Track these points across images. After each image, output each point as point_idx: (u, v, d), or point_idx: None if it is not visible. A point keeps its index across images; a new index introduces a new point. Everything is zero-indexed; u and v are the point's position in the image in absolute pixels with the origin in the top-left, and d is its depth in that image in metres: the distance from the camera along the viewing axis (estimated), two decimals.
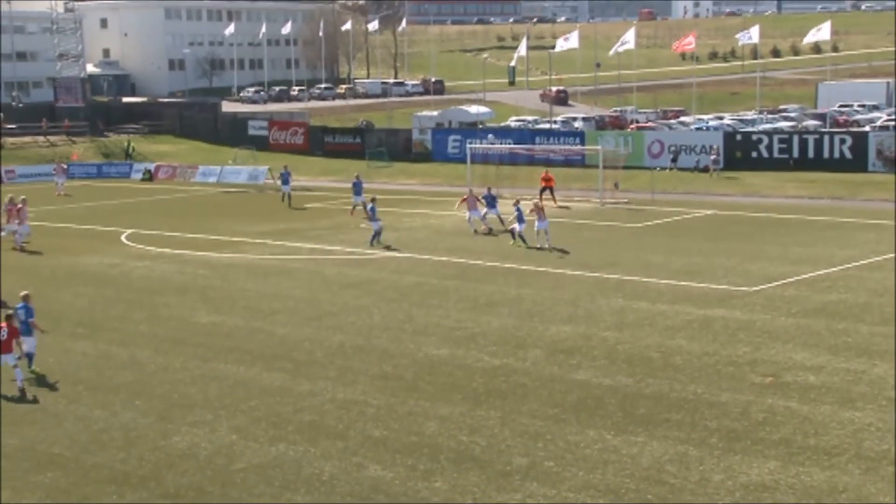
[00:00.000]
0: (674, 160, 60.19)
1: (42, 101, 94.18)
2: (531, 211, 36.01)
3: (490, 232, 39.17)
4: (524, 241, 36.39)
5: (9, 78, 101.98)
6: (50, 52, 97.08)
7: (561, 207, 46.62)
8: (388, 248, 36.57)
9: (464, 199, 40.11)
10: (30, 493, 15.62)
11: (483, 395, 19.84)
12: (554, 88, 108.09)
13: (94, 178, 69.76)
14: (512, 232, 37.11)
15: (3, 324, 20.74)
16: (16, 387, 20.43)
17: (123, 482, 15.95)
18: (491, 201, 39.97)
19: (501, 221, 39.90)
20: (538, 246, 35.58)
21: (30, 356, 21.95)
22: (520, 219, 36.83)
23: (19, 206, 38.82)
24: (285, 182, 50.99)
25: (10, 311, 21.24)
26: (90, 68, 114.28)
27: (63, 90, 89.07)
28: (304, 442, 17.46)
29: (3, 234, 37.99)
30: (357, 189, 45.30)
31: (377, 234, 37.24)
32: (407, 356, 22.63)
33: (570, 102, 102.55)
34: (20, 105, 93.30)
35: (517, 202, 37.97)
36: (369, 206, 38.03)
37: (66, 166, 63.57)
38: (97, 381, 21.33)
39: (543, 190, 48.78)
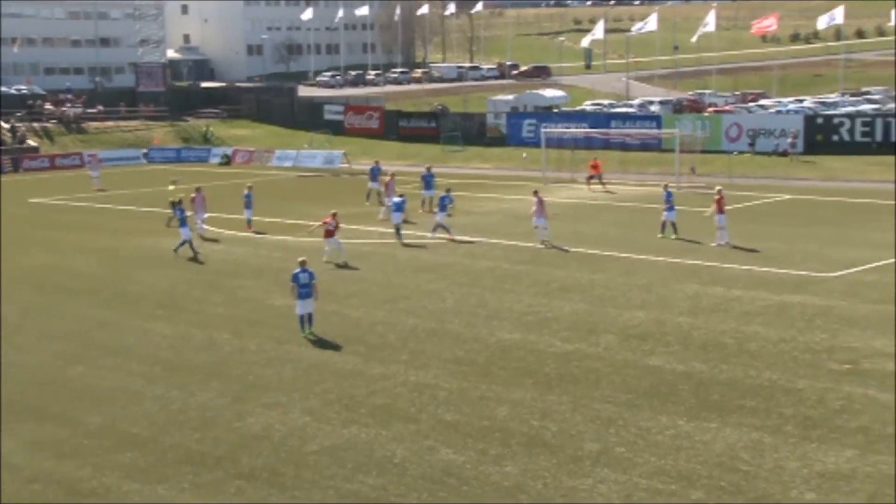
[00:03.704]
0: (752, 144, 59.24)
1: (124, 87, 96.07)
2: (717, 202, 32.34)
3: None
4: (675, 230, 34.15)
5: (92, 63, 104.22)
6: (132, 38, 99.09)
7: (607, 192, 47.33)
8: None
9: (535, 210, 34.01)
10: (110, 472, 15.99)
11: (555, 380, 19.80)
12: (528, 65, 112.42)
13: (174, 163, 70.99)
14: (663, 224, 34.48)
15: None
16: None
17: (199, 462, 16.26)
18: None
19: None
20: (716, 243, 32.51)
21: (309, 317, 23.35)
22: (670, 206, 34.04)
23: (388, 179, 40.67)
24: (374, 178, 45.48)
25: None
26: (170, 54, 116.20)
27: (144, 75, 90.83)
28: (377, 425, 17.61)
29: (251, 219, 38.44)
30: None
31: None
32: (479, 340, 22.67)
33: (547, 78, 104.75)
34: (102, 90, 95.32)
35: (666, 186, 35.65)
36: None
37: (100, 158, 61.83)
38: (175, 362, 21.76)
39: (591, 178, 48.68)
